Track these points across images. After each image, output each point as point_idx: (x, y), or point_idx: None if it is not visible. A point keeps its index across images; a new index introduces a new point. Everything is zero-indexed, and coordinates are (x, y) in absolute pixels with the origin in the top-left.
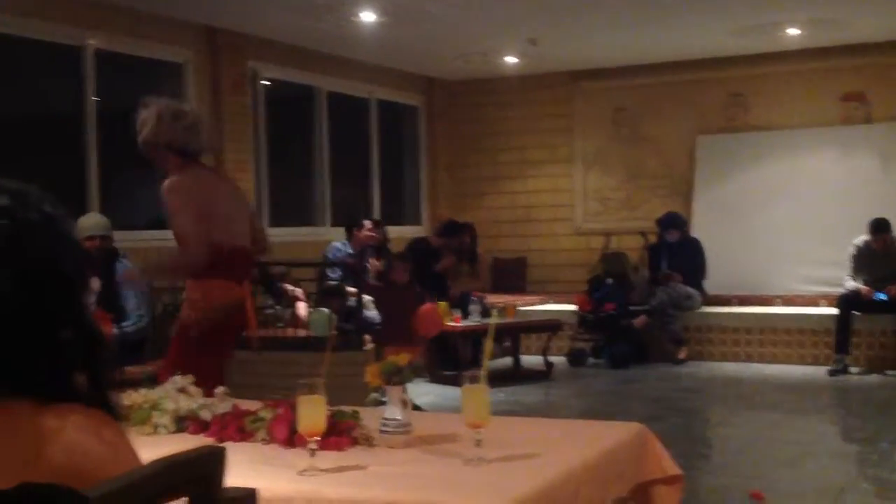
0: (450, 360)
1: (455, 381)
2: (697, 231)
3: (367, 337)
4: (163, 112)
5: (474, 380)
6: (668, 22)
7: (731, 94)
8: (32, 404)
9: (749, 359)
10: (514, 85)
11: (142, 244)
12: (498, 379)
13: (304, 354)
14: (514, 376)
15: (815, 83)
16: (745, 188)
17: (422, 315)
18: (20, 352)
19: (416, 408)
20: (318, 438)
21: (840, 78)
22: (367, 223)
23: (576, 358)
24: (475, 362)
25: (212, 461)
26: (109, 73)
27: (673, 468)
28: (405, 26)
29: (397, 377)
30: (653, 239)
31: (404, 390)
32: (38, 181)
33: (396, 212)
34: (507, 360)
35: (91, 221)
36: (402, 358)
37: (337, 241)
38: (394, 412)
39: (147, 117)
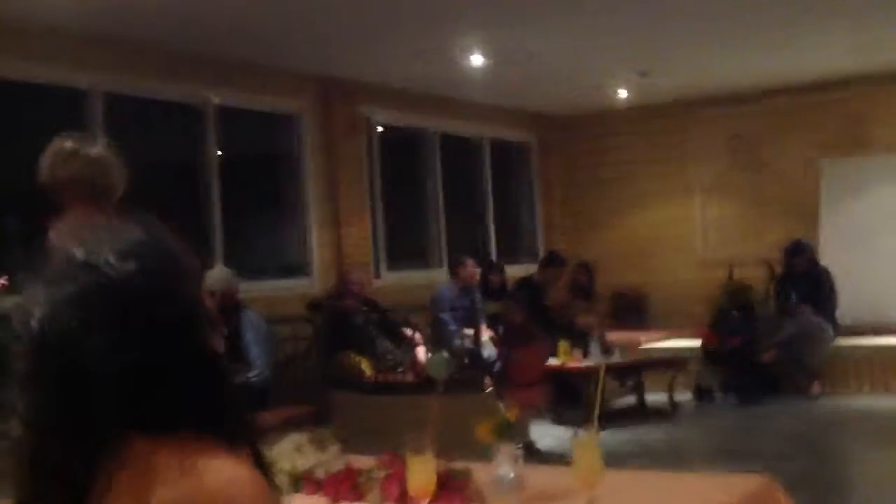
0: (571, 400)
1: (577, 422)
2: (825, 258)
3: (487, 380)
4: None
5: (586, 430)
6: (780, 45)
7: (852, 115)
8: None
9: (888, 391)
10: (626, 117)
11: (265, 293)
12: (622, 418)
13: (424, 398)
14: (639, 415)
15: None
16: (874, 212)
17: (517, 363)
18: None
19: (536, 451)
20: (429, 499)
21: None
22: (470, 261)
23: (702, 394)
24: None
25: None
26: (229, 126)
27: None
28: (513, 67)
29: (509, 432)
30: (778, 269)
31: (518, 445)
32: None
33: (513, 251)
34: (631, 399)
35: (213, 275)
36: (513, 413)
37: (443, 284)
38: (505, 469)
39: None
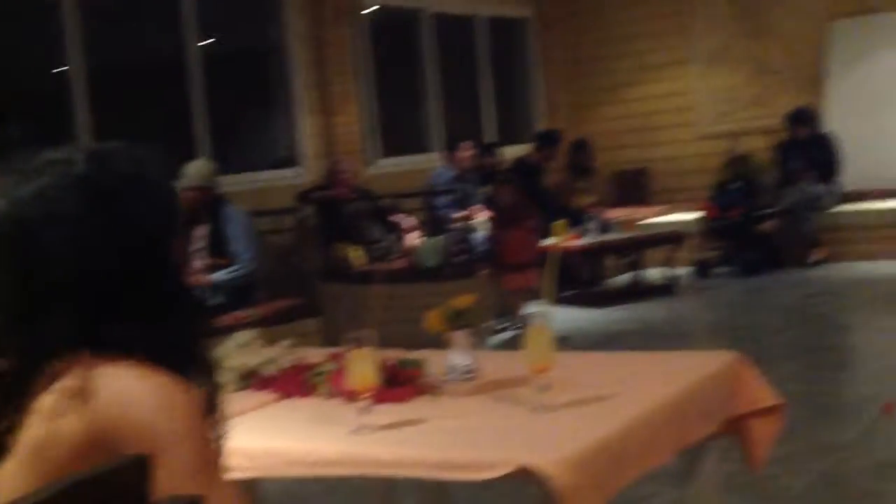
0: (569, 280)
1: (575, 302)
2: (832, 124)
3: (480, 264)
4: None
5: (539, 318)
6: None
7: None
8: (100, 358)
9: (890, 256)
10: None
11: (254, 186)
12: (619, 296)
13: (416, 286)
14: (636, 292)
15: None
16: (883, 75)
17: (509, 244)
18: (104, 309)
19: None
20: (371, 394)
21: None
22: (465, 144)
23: (702, 269)
24: (594, 281)
25: (135, 472)
26: (211, 14)
27: (770, 398)
28: None
29: (461, 321)
30: (781, 137)
31: (475, 334)
32: (145, 129)
33: (513, 132)
34: (628, 276)
35: (191, 170)
36: (464, 300)
37: (439, 167)
38: (458, 358)
39: None
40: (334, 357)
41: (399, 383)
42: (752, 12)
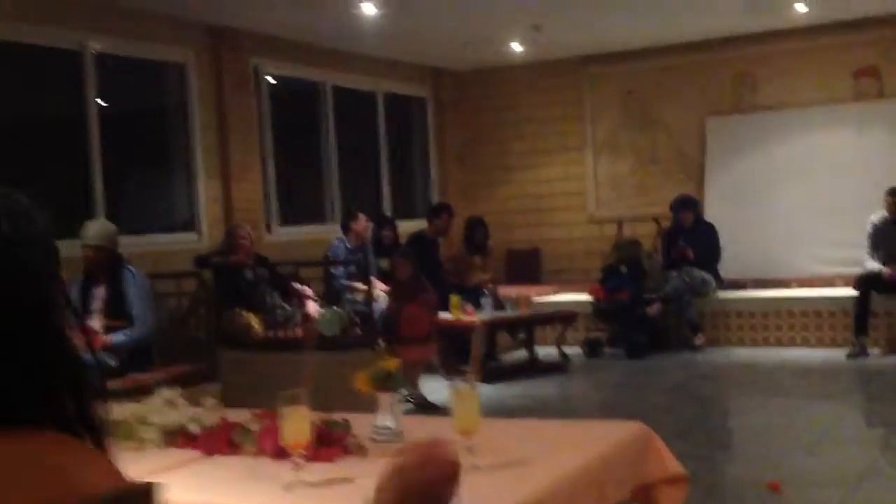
0: (463, 354)
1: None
2: (710, 215)
3: (377, 336)
4: None
5: (465, 382)
6: (672, 4)
7: (739, 73)
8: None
9: (767, 343)
10: (521, 73)
11: (151, 248)
12: (513, 372)
13: (314, 355)
14: (530, 369)
15: (826, 60)
16: (758, 169)
17: (406, 318)
18: None
19: (429, 405)
20: (304, 451)
21: (851, 53)
22: (362, 216)
23: (591, 348)
24: (490, 356)
25: (140, 499)
26: (111, 76)
27: (676, 468)
28: (406, 17)
29: (388, 383)
30: (667, 225)
31: (402, 396)
32: (42, 187)
33: (408, 207)
34: (522, 353)
35: (91, 231)
36: (392, 363)
37: (336, 238)
38: (385, 420)
39: None
40: (260, 416)
41: (328, 443)
42: (640, 105)
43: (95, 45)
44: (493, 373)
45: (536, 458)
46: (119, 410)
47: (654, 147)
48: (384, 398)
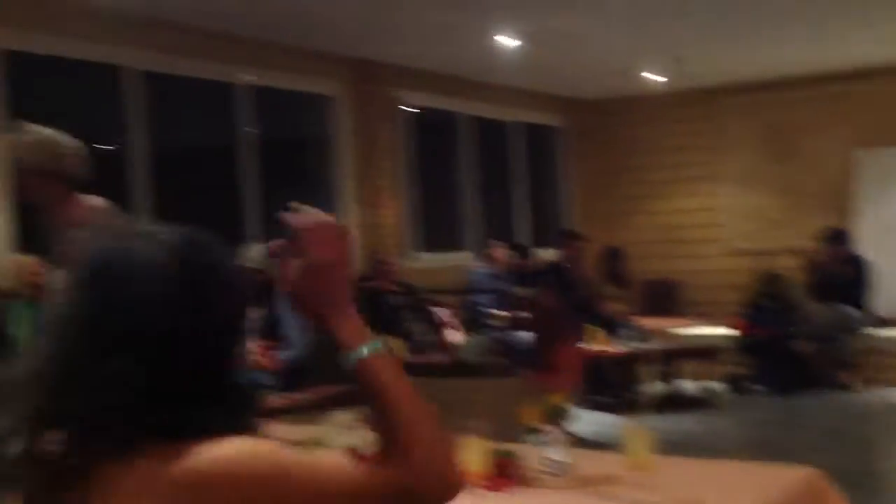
0: (601, 385)
1: (608, 408)
2: (860, 249)
3: (519, 364)
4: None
5: (635, 419)
6: (818, 33)
7: (889, 104)
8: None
9: None
10: (659, 102)
11: None
12: (653, 406)
13: (456, 381)
14: (671, 403)
15: None
16: None
17: (549, 348)
18: (167, 382)
19: (570, 435)
20: (483, 481)
21: None
22: (500, 245)
23: (735, 384)
24: (627, 388)
25: None
26: (265, 106)
27: None
28: (545, 48)
29: (556, 416)
30: (813, 258)
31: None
32: (200, 211)
33: (545, 235)
34: (661, 386)
35: (254, 254)
36: (561, 397)
37: (476, 265)
38: (554, 452)
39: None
40: None
41: (500, 473)
42: (782, 136)
43: (249, 78)
44: (632, 405)
45: (710, 500)
46: (296, 432)
47: (796, 179)
48: (553, 431)
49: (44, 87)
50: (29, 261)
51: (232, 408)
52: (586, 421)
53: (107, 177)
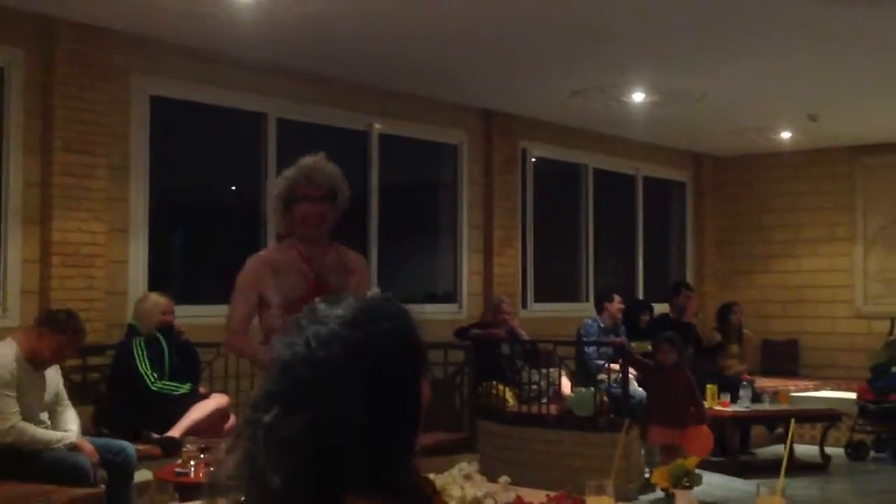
0: (718, 445)
1: (722, 469)
2: None
3: (630, 420)
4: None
5: (770, 489)
6: None
7: None
8: None
9: None
10: (788, 160)
11: (419, 317)
12: (769, 469)
13: (564, 433)
14: (788, 467)
15: None
16: None
17: (693, 437)
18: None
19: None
20: None
21: None
22: (617, 297)
23: (856, 451)
24: (743, 449)
25: None
26: (392, 153)
27: None
28: (676, 106)
29: (686, 480)
30: None
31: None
32: None
33: (661, 291)
34: (777, 449)
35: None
36: (692, 461)
37: (588, 318)
38: None
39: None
40: (555, 500)
41: None
42: None
43: (380, 126)
44: (747, 467)
45: None
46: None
47: None
48: (681, 496)
49: (189, 132)
50: (163, 301)
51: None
52: (706, 482)
53: (243, 217)
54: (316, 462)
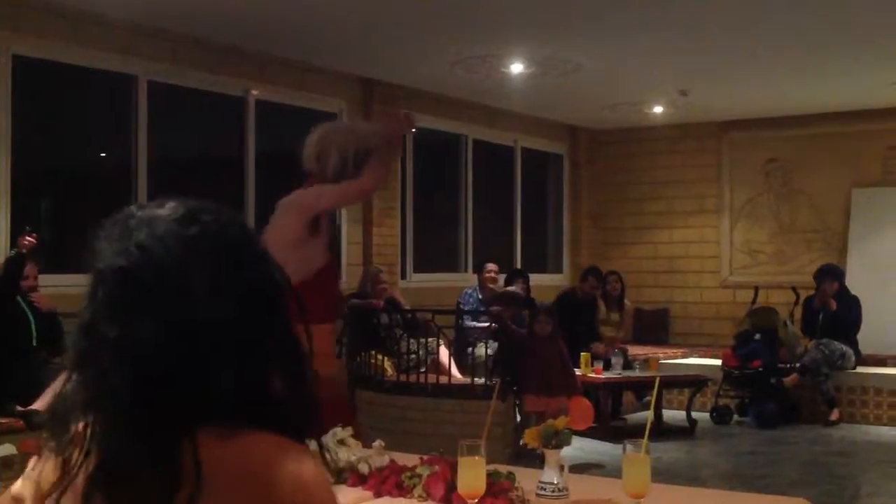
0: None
1: (593, 434)
2: (852, 287)
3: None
4: None
5: (636, 447)
6: (821, 73)
7: (888, 146)
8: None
9: None
10: (661, 134)
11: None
12: (638, 433)
13: (445, 401)
14: (656, 431)
15: None
16: None
17: (574, 409)
18: (226, 371)
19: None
20: (477, 501)
21: None
22: (494, 267)
23: (720, 415)
24: (615, 415)
25: None
26: (268, 121)
27: None
28: (553, 77)
29: (556, 440)
30: (804, 293)
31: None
32: None
33: (539, 260)
34: (647, 414)
35: None
36: (561, 421)
37: (468, 288)
38: (551, 476)
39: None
40: (428, 462)
41: (494, 494)
42: (781, 172)
43: (258, 93)
44: (619, 432)
45: None
46: None
47: (793, 215)
48: (551, 455)
49: (54, 93)
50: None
51: (297, 394)
52: (574, 446)
53: (108, 182)
54: (175, 371)
